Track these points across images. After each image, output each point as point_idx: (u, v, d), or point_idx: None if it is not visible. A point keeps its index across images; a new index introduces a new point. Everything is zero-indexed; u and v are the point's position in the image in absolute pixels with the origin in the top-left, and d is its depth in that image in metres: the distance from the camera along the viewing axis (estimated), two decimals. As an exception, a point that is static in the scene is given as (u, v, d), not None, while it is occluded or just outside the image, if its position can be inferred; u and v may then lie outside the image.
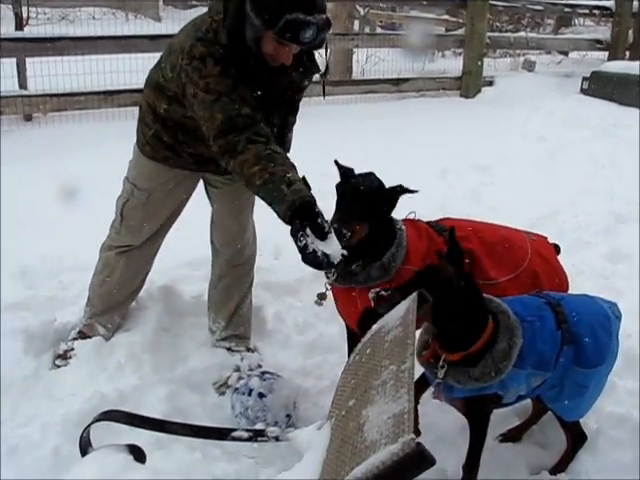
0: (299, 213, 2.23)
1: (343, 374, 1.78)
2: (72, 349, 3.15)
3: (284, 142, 2.84)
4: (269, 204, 2.33)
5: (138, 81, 6.82)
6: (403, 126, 7.17)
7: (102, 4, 13.23)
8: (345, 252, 2.23)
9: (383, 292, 2.15)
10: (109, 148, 5.58)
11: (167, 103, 2.75)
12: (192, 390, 2.99)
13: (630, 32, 10.40)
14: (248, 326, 3.30)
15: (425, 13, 13.70)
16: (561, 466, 2.73)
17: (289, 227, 2.27)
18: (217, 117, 2.45)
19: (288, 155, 2.53)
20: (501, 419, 2.91)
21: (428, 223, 2.83)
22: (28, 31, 6.51)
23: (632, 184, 6.06)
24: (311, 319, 3.57)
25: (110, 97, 6.74)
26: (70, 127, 6.37)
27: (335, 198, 2.62)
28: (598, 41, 10.51)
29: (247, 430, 1.95)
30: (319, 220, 2.24)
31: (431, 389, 2.43)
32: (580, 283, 3.57)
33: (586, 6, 10.51)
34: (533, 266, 2.78)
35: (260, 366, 3.16)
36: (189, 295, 3.59)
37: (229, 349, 3.23)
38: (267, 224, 4.19)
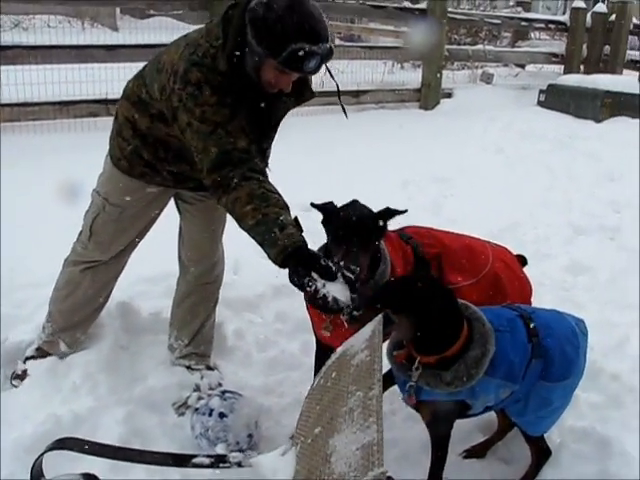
0: (296, 258, 2.21)
1: (307, 398, 1.72)
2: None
3: (265, 158, 2.78)
4: (260, 244, 2.30)
5: (94, 91, 6.76)
6: (363, 138, 7.16)
7: (58, 12, 12.98)
8: (354, 296, 2.17)
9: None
10: (64, 160, 5.48)
11: (150, 121, 2.67)
12: (151, 411, 2.91)
13: (584, 46, 10.57)
14: (209, 344, 3.23)
15: (384, 25, 13.80)
16: None
17: (285, 270, 2.27)
18: (212, 150, 2.39)
19: (279, 191, 2.44)
20: (465, 435, 2.89)
21: (393, 231, 2.82)
22: (-21, 39, 6.36)
23: (589, 196, 6.16)
24: (272, 336, 3.51)
25: (65, 108, 6.59)
26: (23, 138, 6.21)
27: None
28: (554, 54, 10.68)
29: (208, 456, 1.87)
30: (322, 262, 2.21)
31: (395, 390, 2.42)
32: (541, 295, 3.57)
33: (542, 20, 10.68)
34: (495, 271, 2.79)
35: (220, 385, 3.09)
36: (147, 312, 3.50)
37: (189, 367, 3.15)
38: (226, 239, 4.15)
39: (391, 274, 2.57)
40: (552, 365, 2.43)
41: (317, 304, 2.24)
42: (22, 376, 3.05)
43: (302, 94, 2.68)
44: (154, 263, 3.90)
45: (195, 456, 1.84)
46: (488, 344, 2.24)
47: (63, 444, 1.86)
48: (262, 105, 2.57)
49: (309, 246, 2.29)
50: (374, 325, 1.66)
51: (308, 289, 2.18)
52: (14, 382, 3.05)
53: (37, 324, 3.33)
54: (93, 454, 1.91)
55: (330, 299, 2.14)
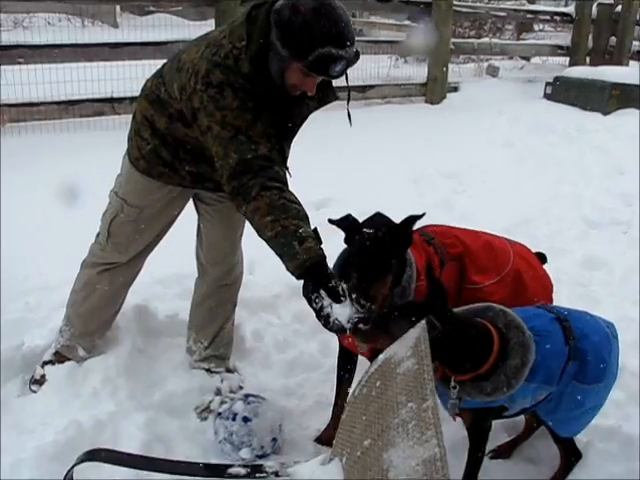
0: (310, 273, 2.21)
1: (350, 407, 1.68)
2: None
3: (285, 160, 2.74)
4: (278, 256, 2.29)
5: (100, 90, 6.71)
6: (371, 134, 7.09)
7: (58, 10, 12.91)
8: (361, 316, 2.17)
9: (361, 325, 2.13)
10: (72, 160, 5.44)
11: (168, 121, 2.63)
12: (172, 415, 2.88)
13: (590, 38, 10.51)
14: (229, 347, 3.19)
15: (385, 19, 13.74)
16: None
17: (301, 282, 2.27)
18: (232, 157, 2.35)
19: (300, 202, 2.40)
20: (491, 435, 2.85)
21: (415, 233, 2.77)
22: (-16, 39, 6.31)
23: (600, 190, 6.11)
24: (290, 337, 3.48)
25: (71, 107, 6.54)
26: (30, 138, 6.16)
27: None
28: (559, 47, 10.61)
29: (244, 466, 1.84)
30: (333, 283, 2.20)
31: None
32: (559, 291, 3.50)
33: (547, 12, 10.61)
34: (516, 268, 2.76)
35: (241, 388, 3.06)
36: (163, 314, 3.46)
37: (208, 370, 3.11)
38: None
39: (417, 278, 2.52)
40: (587, 367, 2.41)
41: (320, 321, 2.24)
42: (41, 381, 3.02)
43: (326, 96, 2.63)
44: (168, 264, 3.87)
45: (230, 466, 1.80)
46: (528, 353, 2.20)
47: (93, 456, 1.82)
48: (285, 108, 2.53)
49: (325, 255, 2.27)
50: (418, 332, 1.61)
51: (314, 305, 2.21)
52: (33, 387, 3.02)
53: (52, 328, 3.30)
54: (124, 465, 1.87)
55: (331, 319, 2.18)
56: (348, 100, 2.67)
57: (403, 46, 9.18)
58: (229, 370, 3.15)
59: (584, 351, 2.39)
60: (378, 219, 2.48)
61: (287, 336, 3.47)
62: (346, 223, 2.47)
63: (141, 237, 2.94)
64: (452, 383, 2.11)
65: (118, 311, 3.18)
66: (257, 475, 1.75)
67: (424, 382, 1.38)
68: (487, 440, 2.41)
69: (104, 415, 2.79)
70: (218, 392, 2.97)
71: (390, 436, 1.34)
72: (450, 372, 2.14)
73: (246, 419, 2.65)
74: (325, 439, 2.76)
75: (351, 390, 1.76)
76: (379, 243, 2.37)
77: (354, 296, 2.26)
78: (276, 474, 1.72)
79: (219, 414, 2.74)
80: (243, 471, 1.79)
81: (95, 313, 3.08)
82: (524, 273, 2.78)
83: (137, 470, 2.19)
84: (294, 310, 3.63)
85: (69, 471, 1.81)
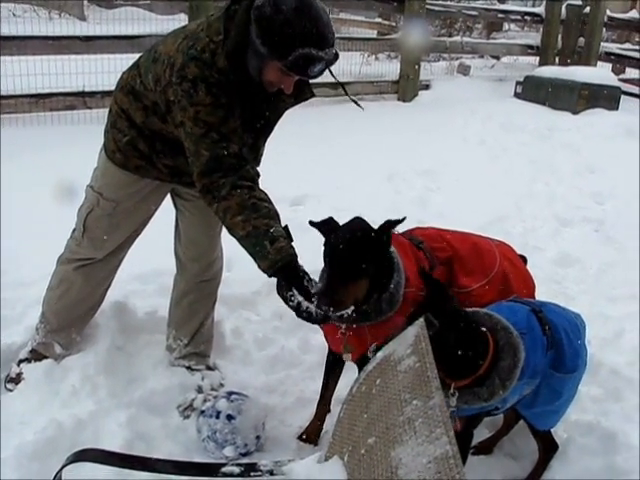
0: (282, 272, 2.27)
1: (347, 405, 1.67)
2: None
3: (259, 157, 2.75)
4: (250, 255, 2.33)
5: (71, 84, 6.61)
6: (345, 130, 7.11)
7: (23, 1, 12.68)
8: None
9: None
10: (43, 155, 5.36)
11: (144, 114, 2.60)
12: (153, 413, 2.84)
13: (559, 38, 10.63)
14: (209, 344, 3.16)
15: (355, 16, 13.76)
16: (534, 476, 2.71)
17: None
18: (203, 154, 2.36)
19: (271, 199, 2.44)
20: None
21: (402, 235, 2.76)
22: (-49, 31, 6.17)
23: (571, 188, 6.20)
24: (270, 334, 3.46)
25: (42, 100, 6.43)
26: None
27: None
28: (529, 46, 10.72)
29: (238, 464, 1.82)
30: (305, 283, 2.27)
31: None
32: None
33: (518, 12, 10.71)
34: (503, 269, 2.77)
35: (222, 385, 3.04)
36: (142, 311, 3.42)
37: (189, 368, 3.08)
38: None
39: (406, 284, 2.49)
40: (564, 356, 2.42)
41: (302, 317, 2.29)
42: (16, 379, 2.96)
43: (302, 93, 2.63)
44: (146, 260, 3.82)
45: (224, 465, 1.79)
46: (518, 352, 2.21)
47: (83, 456, 1.78)
48: (261, 103, 2.53)
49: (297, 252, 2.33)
50: (417, 329, 1.61)
51: (291, 304, 2.27)
52: (8, 386, 2.96)
53: (28, 325, 3.24)
54: (115, 465, 1.84)
55: (313, 311, 2.26)
56: (345, 92, 2.85)
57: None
58: (209, 368, 3.12)
59: (560, 340, 2.41)
60: (357, 223, 2.45)
61: (267, 333, 3.46)
62: (326, 227, 2.44)
63: (117, 232, 2.90)
64: (451, 390, 2.09)
65: (95, 308, 3.13)
66: (251, 474, 1.73)
67: (428, 380, 1.38)
68: (472, 439, 2.42)
69: (84, 414, 2.75)
70: (199, 390, 2.95)
71: (396, 434, 1.34)
72: (448, 379, 2.13)
73: (230, 417, 2.63)
74: (309, 437, 2.76)
75: (348, 388, 1.75)
76: (352, 247, 2.33)
77: (316, 300, 2.25)
78: (271, 473, 1.71)
79: (202, 412, 2.72)
80: (237, 470, 1.77)
81: (71, 310, 3.03)
82: (510, 274, 2.79)
83: (119, 469, 2.16)
84: (273, 307, 3.60)
85: (58, 472, 1.77)
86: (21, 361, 3.03)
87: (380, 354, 1.67)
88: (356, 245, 2.34)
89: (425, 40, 8.54)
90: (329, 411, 2.83)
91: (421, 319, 1.66)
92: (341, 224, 2.45)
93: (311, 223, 2.47)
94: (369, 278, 2.36)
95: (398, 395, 1.44)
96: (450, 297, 2.13)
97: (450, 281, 2.68)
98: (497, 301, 2.61)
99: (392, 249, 2.52)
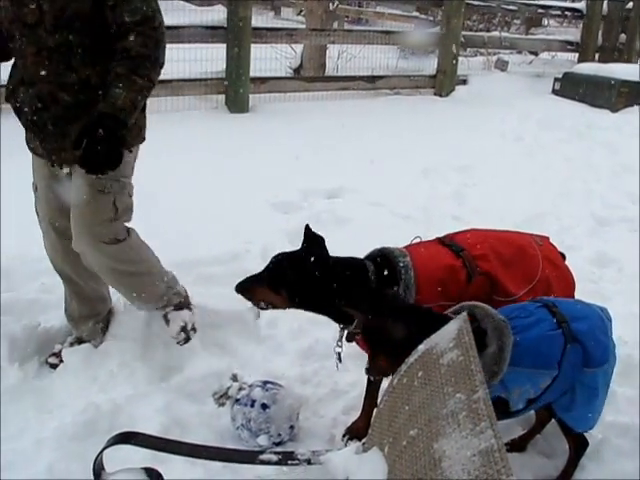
0: None
1: (388, 397, 1.67)
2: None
3: None
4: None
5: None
6: (381, 125, 7.12)
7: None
8: None
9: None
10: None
11: None
12: (189, 400, 2.87)
13: (600, 34, 10.49)
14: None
15: (392, 9, 13.70)
16: (566, 475, 2.69)
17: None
18: None
19: None
20: (504, 429, 2.86)
21: (442, 241, 2.75)
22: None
23: (609, 187, 6.13)
24: (305, 325, 3.46)
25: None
26: None
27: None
28: (569, 42, 10.59)
29: (276, 453, 1.84)
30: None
31: None
32: (570, 287, 3.55)
33: (558, 7, 10.59)
34: (546, 275, 2.73)
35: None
36: (179, 299, 3.44)
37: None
38: (253, 227, 4.12)
39: (417, 299, 2.48)
40: (589, 349, 2.38)
41: None
42: (58, 356, 3.04)
43: None
44: (182, 250, 3.87)
45: (262, 452, 1.80)
46: (504, 336, 2.16)
47: (124, 438, 1.82)
48: None
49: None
50: (459, 323, 1.61)
51: None
52: (50, 360, 3.04)
53: (67, 310, 3.30)
54: (155, 449, 1.87)
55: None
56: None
57: (404, 39, 9.15)
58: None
59: (581, 333, 2.37)
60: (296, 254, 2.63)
61: (302, 324, 3.45)
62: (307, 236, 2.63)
63: None
64: None
65: None
66: (289, 462, 1.75)
67: (472, 373, 1.38)
68: None
69: (121, 398, 2.80)
70: (234, 378, 2.97)
71: (439, 426, 1.35)
72: None
73: (264, 406, 2.65)
74: (358, 433, 2.72)
75: (388, 380, 1.76)
76: (277, 263, 2.62)
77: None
78: (308, 462, 1.72)
79: (237, 400, 2.74)
80: (275, 458, 1.79)
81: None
82: (552, 278, 2.75)
83: (154, 453, 2.20)
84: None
85: (99, 454, 1.81)
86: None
87: (421, 347, 1.67)
88: (279, 263, 2.61)
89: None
90: (376, 405, 2.82)
91: (464, 313, 1.66)
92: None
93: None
94: (277, 295, 2.59)
95: (441, 388, 1.45)
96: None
97: (491, 291, 2.62)
98: None
99: (405, 265, 2.53)
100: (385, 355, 2.15)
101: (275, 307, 2.65)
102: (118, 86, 2.47)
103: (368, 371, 2.33)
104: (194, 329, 3.19)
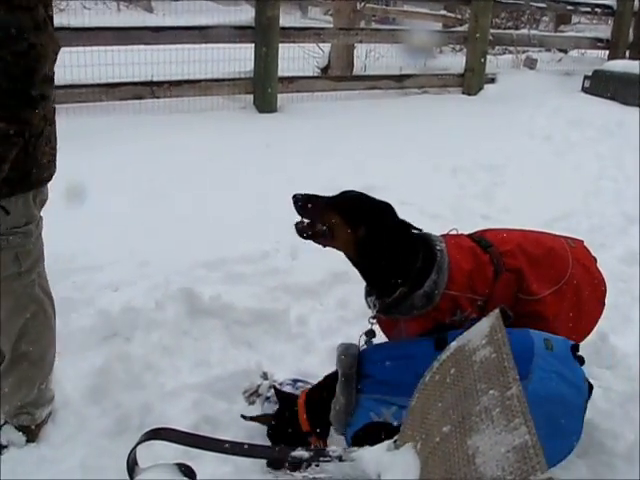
0: None
1: (419, 394, 1.67)
2: None
3: None
4: None
5: (140, 74, 6.76)
6: (409, 123, 7.10)
7: (93, -7, 12.96)
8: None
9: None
10: (112, 143, 5.50)
11: None
12: (218, 398, 2.88)
13: (630, 31, 10.36)
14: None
15: (419, 8, 13.64)
16: None
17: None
18: None
19: None
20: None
21: (471, 237, 2.73)
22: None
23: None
24: (335, 323, 3.47)
25: (111, 90, 6.57)
26: (70, 120, 6.20)
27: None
28: (599, 39, 10.47)
29: (307, 449, 1.85)
30: None
31: None
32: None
33: (588, 4, 10.46)
34: (574, 279, 2.67)
35: None
36: (207, 296, 3.47)
37: None
38: (282, 225, 4.10)
39: (450, 284, 2.47)
40: None
41: None
42: None
43: None
44: (211, 248, 3.91)
45: (293, 449, 1.81)
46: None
47: (157, 435, 1.83)
48: None
49: None
50: (492, 320, 1.61)
51: None
52: None
53: (98, 308, 3.34)
54: (187, 445, 1.89)
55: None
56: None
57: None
58: None
59: None
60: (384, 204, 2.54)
61: (331, 322, 3.46)
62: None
63: None
64: None
65: None
66: (320, 459, 1.75)
67: (505, 370, 1.38)
68: None
69: (151, 396, 2.83)
70: (265, 376, 2.98)
71: (472, 423, 1.34)
72: None
73: (294, 404, 2.66)
74: None
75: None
76: (355, 198, 2.50)
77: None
78: (340, 458, 1.72)
79: (267, 398, 2.75)
80: (306, 454, 1.80)
81: None
82: (581, 284, 2.69)
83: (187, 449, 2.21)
84: (338, 296, 3.63)
85: (133, 449, 1.83)
86: None
87: (454, 344, 1.67)
88: (358, 200, 2.50)
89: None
90: None
91: (496, 310, 1.65)
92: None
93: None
94: (350, 229, 2.43)
95: (474, 385, 1.44)
96: None
97: (519, 288, 2.59)
98: (564, 311, 2.57)
99: (440, 249, 2.51)
100: None
101: (317, 238, 2.50)
102: None
103: None
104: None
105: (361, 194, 2.54)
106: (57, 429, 2.66)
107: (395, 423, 2.15)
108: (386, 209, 2.51)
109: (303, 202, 2.44)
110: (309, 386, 2.71)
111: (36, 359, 2.53)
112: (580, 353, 2.38)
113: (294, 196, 2.46)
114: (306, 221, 2.48)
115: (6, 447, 2.53)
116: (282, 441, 2.46)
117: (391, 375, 2.29)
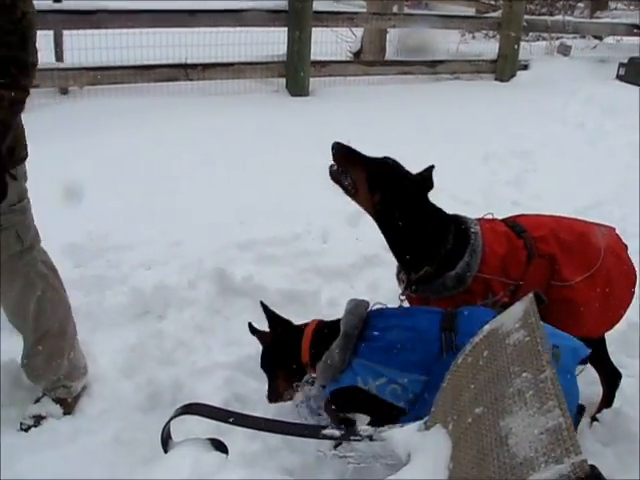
0: None
1: (452, 375, 1.69)
2: None
3: None
4: None
5: (174, 56, 6.80)
6: (441, 109, 7.06)
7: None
8: None
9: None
10: (145, 123, 5.56)
11: None
12: (249, 376, 2.93)
13: (669, 17, 10.18)
14: None
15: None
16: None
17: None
18: None
19: None
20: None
21: (505, 222, 2.74)
22: (65, 3, 6.37)
23: (674, 176, 5.97)
24: (366, 305, 3.50)
25: (146, 71, 6.63)
26: (105, 101, 6.28)
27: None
28: (635, 26, 10.28)
29: (339, 428, 1.88)
30: None
31: None
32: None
33: (625, -10, 10.32)
34: (606, 266, 2.67)
35: None
36: (239, 277, 3.51)
37: None
38: (314, 208, 4.14)
39: (483, 267, 2.49)
40: None
41: None
42: None
43: None
44: (243, 229, 3.95)
45: (325, 427, 1.85)
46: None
47: (190, 409, 1.88)
48: None
49: None
50: (525, 304, 1.63)
51: None
52: None
53: (132, 285, 3.40)
54: (218, 420, 1.93)
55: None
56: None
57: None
58: None
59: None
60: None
61: (362, 304, 3.49)
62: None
63: None
64: None
65: None
66: (351, 438, 1.79)
67: (538, 354, 1.39)
68: None
69: (183, 373, 2.89)
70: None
71: (505, 404, 1.36)
72: None
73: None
74: None
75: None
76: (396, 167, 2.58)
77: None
78: (370, 438, 1.75)
79: (307, 399, 2.77)
80: (337, 433, 1.83)
81: None
82: (612, 272, 2.69)
83: (218, 425, 2.26)
84: (369, 280, 3.66)
85: (167, 423, 1.88)
86: None
87: (487, 327, 1.69)
88: (389, 167, 2.57)
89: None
90: None
91: (530, 294, 1.67)
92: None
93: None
94: (368, 190, 2.53)
95: (507, 367, 1.46)
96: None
97: (550, 274, 2.59)
98: (595, 299, 2.58)
99: (475, 231, 2.55)
100: None
101: (343, 186, 2.61)
102: None
103: None
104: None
105: (397, 165, 2.60)
106: (92, 402, 2.74)
107: (378, 395, 2.20)
108: (413, 185, 2.57)
109: (341, 151, 2.56)
110: None
111: (58, 332, 2.64)
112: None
113: (334, 143, 2.58)
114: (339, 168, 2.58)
115: (44, 418, 2.63)
116: (274, 365, 2.53)
117: (390, 345, 2.28)
